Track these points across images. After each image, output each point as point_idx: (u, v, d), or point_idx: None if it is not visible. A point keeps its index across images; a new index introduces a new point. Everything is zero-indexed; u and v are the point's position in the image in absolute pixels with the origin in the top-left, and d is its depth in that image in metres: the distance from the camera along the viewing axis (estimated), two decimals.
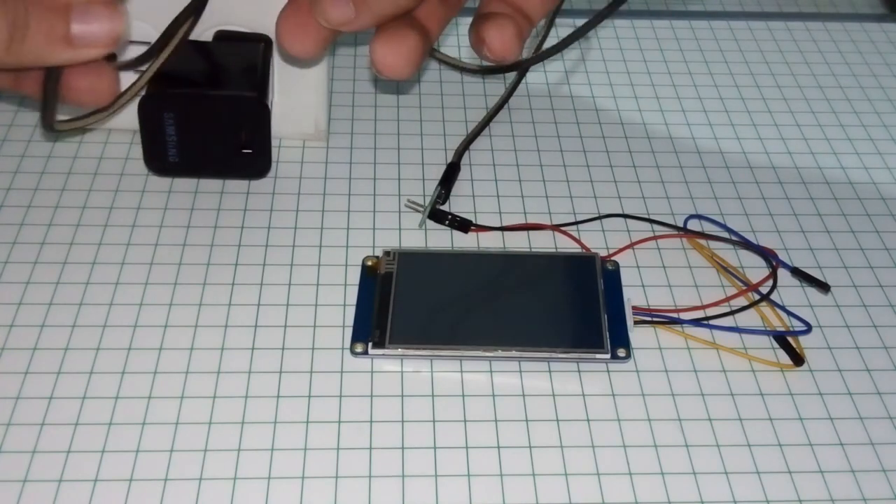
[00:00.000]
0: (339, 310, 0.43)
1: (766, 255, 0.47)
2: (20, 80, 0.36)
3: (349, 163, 0.51)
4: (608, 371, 0.41)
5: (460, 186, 0.50)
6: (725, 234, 0.48)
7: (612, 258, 0.46)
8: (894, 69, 0.61)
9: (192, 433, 0.38)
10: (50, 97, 0.35)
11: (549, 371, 0.41)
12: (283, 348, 0.42)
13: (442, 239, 0.47)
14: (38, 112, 0.48)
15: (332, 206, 0.49)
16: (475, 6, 0.38)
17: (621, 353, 0.41)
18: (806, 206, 0.50)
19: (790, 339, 0.43)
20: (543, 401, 0.40)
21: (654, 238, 0.48)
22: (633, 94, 0.58)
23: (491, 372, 0.41)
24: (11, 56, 0.33)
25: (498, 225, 0.48)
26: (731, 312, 0.44)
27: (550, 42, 0.44)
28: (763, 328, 0.44)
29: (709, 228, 0.49)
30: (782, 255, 0.47)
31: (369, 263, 0.45)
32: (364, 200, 0.49)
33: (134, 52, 0.46)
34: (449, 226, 0.48)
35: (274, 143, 0.50)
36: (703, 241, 0.48)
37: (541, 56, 0.39)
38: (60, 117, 0.38)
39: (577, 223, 0.48)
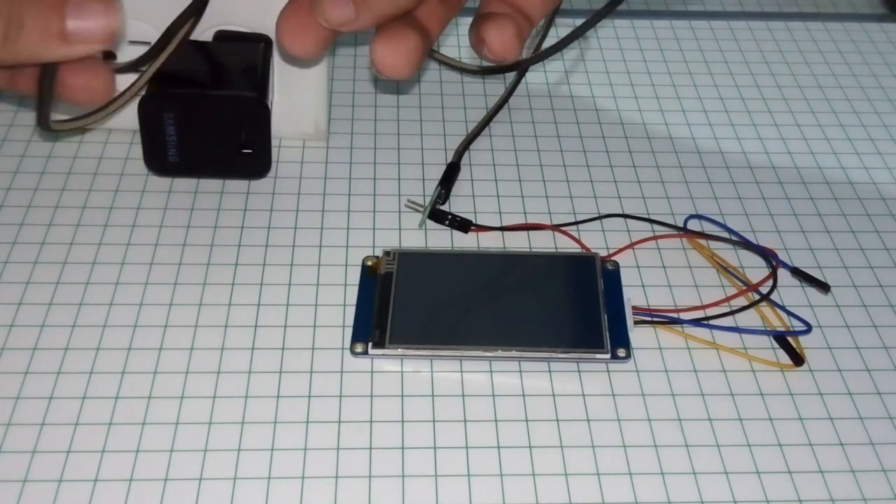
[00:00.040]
0: (339, 310, 0.43)
1: (766, 255, 0.47)
2: (15, 77, 0.36)
3: (349, 163, 0.51)
4: (608, 371, 0.41)
5: (460, 186, 0.50)
6: (725, 234, 0.48)
7: (612, 258, 0.46)
8: (894, 69, 0.61)
9: (192, 433, 0.38)
10: (45, 95, 0.35)
11: (549, 371, 0.41)
12: (283, 348, 0.42)
13: (442, 239, 0.47)
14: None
15: (332, 206, 0.49)
16: (475, 6, 0.38)
17: (621, 353, 0.41)
18: (806, 206, 0.50)
19: (790, 339, 0.43)
20: (543, 401, 0.40)
21: (654, 238, 0.48)
22: (633, 94, 0.58)
23: (491, 372, 0.41)
24: (6, 53, 0.33)
25: (498, 225, 0.48)
26: (731, 312, 0.44)
27: (550, 42, 0.44)
28: (763, 328, 0.44)
29: (709, 228, 0.49)
30: (782, 255, 0.47)
31: (369, 263, 0.45)
32: (364, 200, 0.49)
33: (134, 52, 0.46)
34: (449, 226, 0.48)
35: (274, 143, 0.50)
36: (703, 241, 0.48)
37: (540, 56, 0.39)
38: (59, 117, 0.38)
39: (577, 223, 0.48)
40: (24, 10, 0.33)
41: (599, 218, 0.49)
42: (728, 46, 0.63)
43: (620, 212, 0.49)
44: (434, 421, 0.39)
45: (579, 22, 0.36)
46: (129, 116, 0.47)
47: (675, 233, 0.48)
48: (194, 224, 0.47)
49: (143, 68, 0.43)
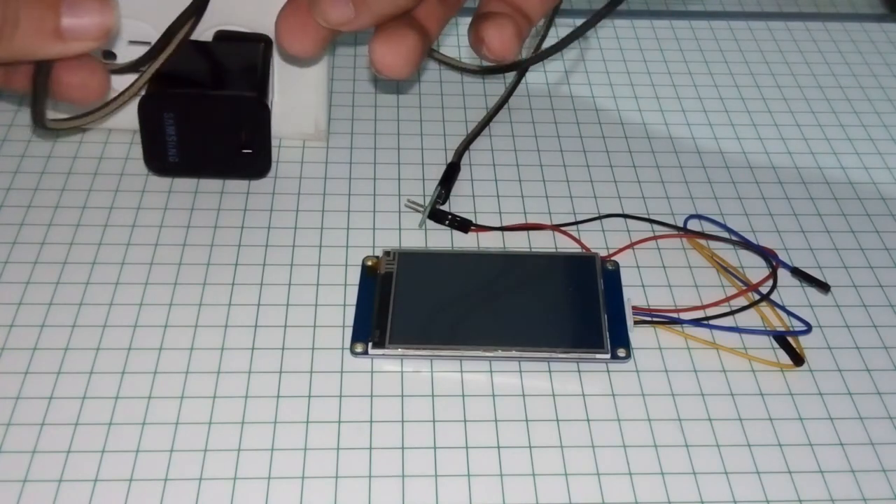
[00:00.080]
0: (339, 310, 0.43)
1: (766, 255, 0.47)
2: (10, 75, 0.36)
3: (349, 163, 0.51)
4: (608, 371, 0.41)
5: (460, 186, 0.50)
6: (725, 234, 0.48)
7: (612, 258, 0.46)
8: (894, 69, 0.61)
9: (192, 433, 0.38)
10: (40, 93, 0.35)
11: (549, 371, 0.41)
12: (283, 348, 0.42)
13: (442, 239, 0.47)
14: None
15: (332, 206, 0.49)
16: (474, 6, 0.38)
17: (621, 353, 0.41)
18: (806, 206, 0.50)
19: (790, 339, 0.43)
20: (543, 401, 0.40)
21: (654, 238, 0.48)
22: (633, 94, 0.58)
23: (491, 372, 0.41)
24: (1, 50, 0.33)
25: (498, 225, 0.48)
26: (731, 312, 0.44)
27: (550, 42, 0.44)
28: (763, 328, 0.44)
29: (709, 228, 0.49)
30: (782, 255, 0.47)
31: (369, 263, 0.45)
32: (364, 200, 0.49)
33: (134, 51, 0.46)
34: (449, 226, 0.48)
35: (274, 143, 0.50)
36: (703, 241, 0.48)
37: (540, 56, 0.39)
38: (58, 116, 0.38)
39: (577, 223, 0.48)
40: (19, 7, 0.33)
41: (599, 218, 0.49)
42: (728, 46, 0.63)
43: (620, 212, 0.49)
44: (434, 421, 0.39)
45: (579, 22, 0.36)
46: (129, 116, 0.47)
47: (675, 233, 0.48)
48: (194, 224, 0.47)
49: (143, 68, 0.43)
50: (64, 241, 0.46)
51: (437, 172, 0.50)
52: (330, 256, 0.46)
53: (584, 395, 0.40)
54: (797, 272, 0.46)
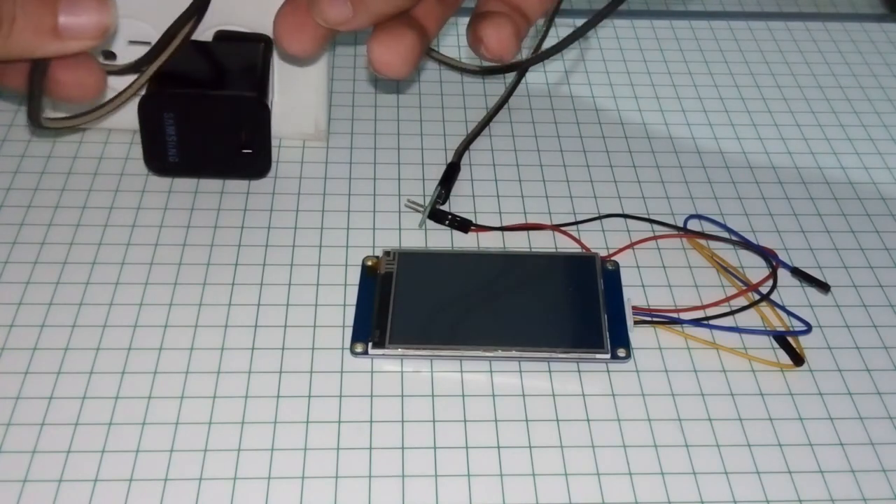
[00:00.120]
0: (339, 310, 0.43)
1: (766, 255, 0.47)
2: (5, 73, 0.36)
3: (349, 163, 0.51)
4: (608, 371, 0.41)
5: (460, 186, 0.50)
6: (725, 234, 0.48)
7: (612, 258, 0.46)
8: (894, 69, 0.61)
9: (192, 433, 0.38)
10: (36, 91, 0.35)
11: (549, 371, 0.41)
12: (283, 348, 0.42)
13: (442, 239, 0.47)
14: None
15: (332, 206, 0.49)
16: (473, 5, 0.38)
17: (621, 353, 0.41)
18: (806, 206, 0.50)
19: (790, 339, 0.43)
20: (543, 401, 0.40)
21: (654, 238, 0.48)
22: (633, 94, 0.58)
23: (491, 372, 0.41)
24: None
25: (498, 225, 0.48)
26: (731, 312, 0.44)
27: (550, 42, 0.44)
28: (763, 328, 0.44)
29: (709, 228, 0.49)
30: (782, 255, 0.47)
31: (369, 263, 0.45)
32: (364, 200, 0.49)
33: (134, 51, 0.46)
34: (449, 226, 0.48)
35: (274, 143, 0.50)
36: (703, 241, 0.48)
37: (540, 56, 0.39)
38: (55, 115, 0.38)
39: (577, 223, 0.48)
40: (16, 6, 0.33)
41: (599, 218, 0.49)
42: (728, 46, 0.63)
43: (620, 212, 0.49)
44: (434, 421, 0.39)
45: (579, 22, 0.36)
46: (129, 116, 0.47)
47: (675, 233, 0.48)
48: (194, 224, 0.47)
49: (144, 69, 0.43)
50: (64, 241, 0.46)
51: (437, 172, 0.50)
52: (330, 256, 0.46)
53: (584, 395, 0.40)
54: (797, 272, 0.46)
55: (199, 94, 0.47)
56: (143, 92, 0.45)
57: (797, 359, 0.42)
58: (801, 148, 0.54)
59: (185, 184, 0.49)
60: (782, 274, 0.46)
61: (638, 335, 0.43)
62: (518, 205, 0.49)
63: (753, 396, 0.41)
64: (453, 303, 0.43)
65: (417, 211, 0.48)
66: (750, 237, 0.48)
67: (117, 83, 0.44)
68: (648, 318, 0.43)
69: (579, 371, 0.41)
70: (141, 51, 0.43)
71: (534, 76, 0.58)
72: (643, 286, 0.45)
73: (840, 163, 0.53)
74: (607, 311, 0.43)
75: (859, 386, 0.41)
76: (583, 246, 0.47)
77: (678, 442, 0.39)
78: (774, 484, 0.38)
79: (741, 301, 0.44)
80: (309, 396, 0.40)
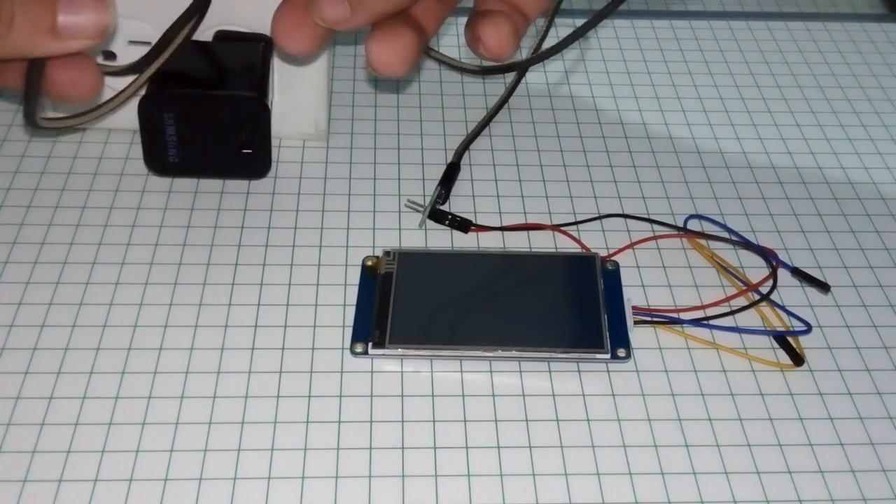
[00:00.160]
0: (339, 310, 0.43)
1: (766, 255, 0.47)
2: (2, 72, 0.36)
3: (349, 163, 0.51)
4: (608, 371, 0.41)
5: (460, 186, 0.50)
6: (725, 234, 0.48)
7: (612, 258, 0.46)
8: (894, 69, 0.61)
9: (192, 433, 0.38)
10: (32, 90, 0.35)
11: (549, 371, 0.41)
12: (283, 348, 0.42)
13: (442, 239, 0.47)
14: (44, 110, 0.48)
15: (332, 206, 0.49)
16: (472, 5, 0.38)
17: (621, 353, 0.41)
18: (806, 206, 0.50)
19: (790, 339, 0.43)
20: (543, 401, 0.40)
21: (654, 238, 0.48)
22: (633, 94, 0.58)
23: (491, 372, 0.41)
24: None
25: (498, 225, 0.48)
26: (731, 312, 0.44)
27: (550, 42, 0.44)
28: (763, 328, 0.44)
29: (709, 228, 0.49)
30: (782, 255, 0.47)
31: (369, 263, 0.45)
32: (364, 200, 0.49)
33: (134, 51, 0.46)
34: (449, 226, 0.48)
35: (274, 143, 0.50)
36: (703, 241, 0.48)
37: (540, 56, 0.39)
38: (55, 115, 0.38)
39: (577, 223, 0.48)
40: (14, 5, 0.33)
41: (599, 218, 0.49)
42: (728, 46, 0.63)
43: (620, 212, 0.49)
44: (434, 421, 0.39)
45: (579, 22, 0.36)
46: (129, 116, 0.47)
47: (675, 233, 0.48)
48: (194, 224, 0.47)
49: (144, 69, 0.43)
50: (64, 241, 0.46)
51: (437, 172, 0.50)
52: (330, 256, 0.46)
53: (584, 395, 0.40)
54: (797, 272, 0.46)
55: (199, 94, 0.47)
56: (143, 92, 0.45)
57: (797, 359, 0.42)
58: (801, 148, 0.54)
59: (185, 184, 0.49)
60: (782, 274, 0.46)
61: (638, 335, 0.43)
62: (518, 205, 0.49)
63: (753, 396, 0.41)
64: (453, 303, 0.43)
65: (417, 211, 0.48)
66: (750, 237, 0.48)
67: (117, 83, 0.44)
68: (648, 318, 0.43)
69: (579, 371, 0.41)
70: (141, 51, 0.43)
71: (534, 76, 0.58)
72: (643, 286, 0.45)
73: (840, 163, 0.53)
74: (607, 311, 0.43)
75: (859, 386, 0.41)
76: (583, 246, 0.47)
77: (678, 442, 0.39)
78: (774, 484, 0.38)
79: (741, 301, 0.44)
80: (309, 396, 0.40)
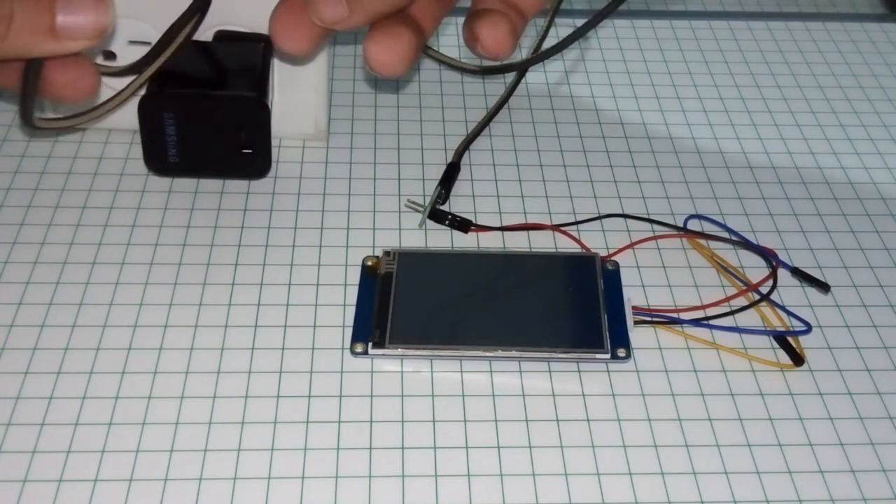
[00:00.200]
0: (339, 310, 0.43)
1: (766, 255, 0.47)
2: (0, 72, 0.36)
3: (349, 163, 0.51)
4: (608, 371, 0.41)
5: (460, 186, 0.50)
6: (725, 234, 0.48)
7: (612, 258, 0.46)
8: (894, 69, 0.61)
9: (192, 433, 0.38)
10: (29, 90, 0.35)
11: (549, 371, 0.41)
12: (283, 348, 0.42)
13: (442, 239, 0.47)
14: (43, 110, 0.48)
15: (332, 206, 0.49)
16: (470, 4, 0.38)
17: (621, 353, 0.41)
18: (806, 206, 0.50)
19: (790, 339, 0.43)
20: (543, 401, 0.40)
21: (654, 238, 0.48)
22: (633, 94, 0.58)
23: (491, 372, 0.41)
24: None
25: (498, 225, 0.48)
26: (731, 312, 0.44)
27: (550, 42, 0.44)
28: (763, 328, 0.44)
29: (709, 228, 0.49)
30: (782, 255, 0.47)
31: (369, 263, 0.45)
32: (364, 200, 0.49)
33: (134, 51, 0.46)
34: (449, 226, 0.48)
35: (274, 143, 0.50)
36: (703, 241, 0.48)
37: (540, 56, 0.39)
38: (53, 115, 0.38)
39: (577, 223, 0.48)
40: (14, 5, 0.33)
41: (599, 218, 0.49)
42: (728, 46, 0.63)
43: (620, 212, 0.49)
44: (434, 421, 0.39)
45: (579, 22, 0.36)
46: (129, 116, 0.47)
47: (675, 233, 0.48)
48: (194, 224, 0.47)
49: (144, 69, 0.43)
50: (64, 241, 0.46)
51: (437, 172, 0.50)
52: (330, 256, 0.46)
53: (584, 395, 0.40)
54: (797, 272, 0.46)
55: (199, 94, 0.47)
56: (142, 92, 0.45)
57: (797, 359, 0.42)
58: (801, 148, 0.54)
59: (185, 184, 0.49)
60: (782, 274, 0.46)
61: (638, 335, 0.43)
62: (518, 205, 0.49)
63: (753, 396, 0.41)
64: (453, 303, 0.43)
65: (417, 211, 0.48)
66: (750, 237, 0.48)
67: (118, 83, 0.44)
68: (648, 318, 0.43)
69: (579, 371, 0.41)
70: (141, 51, 0.43)
71: (534, 76, 0.58)
72: (643, 286, 0.45)
73: (840, 163, 0.53)
74: (607, 311, 0.43)
75: (859, 386, 0.41)
76: (583, 246, 0.47)
77: (678, 442, 0.39)
78: (774, 484, 0.38)
79: (741, 301, 0.44)
80: (309, 396, 0.40)
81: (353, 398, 0.40)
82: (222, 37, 0.48)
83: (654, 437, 0.39)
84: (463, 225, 0.48)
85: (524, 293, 0.44)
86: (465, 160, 0.52)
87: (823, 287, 0.45)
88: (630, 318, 0.43)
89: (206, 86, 0.47)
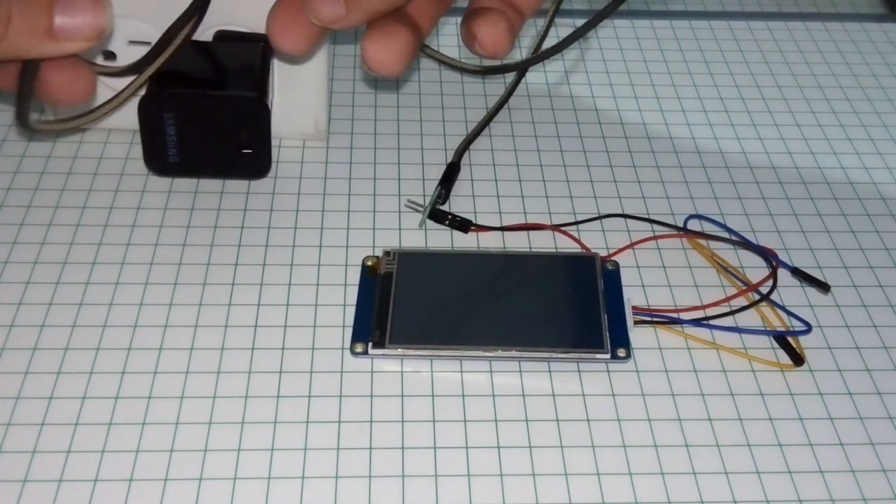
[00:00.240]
0: (339, 310, 0.43)
1: (766, 255, 0.47)
2: None
3: (349, 163, 0.51)
4: (608, 371, 0.41)
5: (460, 186, 0.50)
6: (725, 234, 0.48)
7: (612, 258, 0.46)
8: (894, 69, 0.61)
9: (192, 433, 0.38)
10: (25, 92, 0.35)
11: (549, 371, 0.41)
12: (283, 348, 0.42)
13: (442, 239, 0.47)
14: (44, 112, 0.49)
15: (332, 206, 0.49)
16: (467, 3, 0.38)
17: (621, 353, 0.41)
18: (806, 206, 0.50)
19: (790, 339, 0.43)
20: (543, 401, 0.40)
21: (654, 238, 0.48)
22: (633, 94, 0.58)
23: (491, 372, 0.41)
24: None
25: (498, 225, 0.48)
26: (731, 312, 0.44)
27: (550, 42, 0.44)
28: (763, 328, 0.44)
29: (709, 228, 0.49)
30: (782, 255, 0.47)
31: (369, 263, 0.45)
32: (364, 200, 0.49)
33: (134, 51, 0.46)
34: (449, 226, 0.48)
35: (274, 143, 0.50)
36: (703, 241, 0.48)
37: (541, 56, 0.39)
38: (51, 117, 0.38)
39: (577, 223, 0.48)
40: (11, 6, 0.33)
41: (599, 218, 0.49)
42: (728, 46, 0.63)
43: (620, 212, 0.49)
44: (434, 421, 0.39)
45: (579, 22, 0.36)
46: (129, 116, 0.47)
47: (675, 233, 0.48)
48: (194, 224, 0.47)
49: (144, 69, 0.43)
50: (64, 241, 0.46)
51: (437, 172, 0.50)
52: (330, 256, 0.46)
53: (584, 395, 0.40)
54: (797, 272, 0.46)
55: (198, 94, 0.47)
56: (142, 92, 0.45)
57: (797, 359, 0.42)
58: (801, 148, 0.54)
59: (185, 184, 0.49)
60: (782, 274, 0.46)
61: (638, 335, 0.43)
62: (518, 205, 0.49)
63: (753, 396, 0.41)
64: (453, 303, 0.43)
65: (417, 211, 0.48)
66: (750, 237, 0.48)
67: (117, 84, 0.44)
68: (648, 318, 0.43)
69: (579, 371, 0.41)
70: (141, 51, 0.43)
71: (534, 76, 0.58)
72: (643, 286, 0.45)
73: (840, 163, 0.53)
74: (607, 311, 0.43)
75: (859, 386, 0.41)
76: (583, 246, 0.47)
77: (678, 442, 0.39)
78: (774, 484, 0.38)
79: (741, 301, 0.44)
80: (309, 396, 0.40)
81: (353, 398, 0.40)
82: (222, 37, 0.48)
83: (654, 437, 0.39)
84: (463, 225, 0.48)
85: (524, 293, 0.44)
86: (465, 160, 0.52)
87: (823, 287, 0.45)
88: (630, 318, 0.43)
89: (205, 86, 0.47)
